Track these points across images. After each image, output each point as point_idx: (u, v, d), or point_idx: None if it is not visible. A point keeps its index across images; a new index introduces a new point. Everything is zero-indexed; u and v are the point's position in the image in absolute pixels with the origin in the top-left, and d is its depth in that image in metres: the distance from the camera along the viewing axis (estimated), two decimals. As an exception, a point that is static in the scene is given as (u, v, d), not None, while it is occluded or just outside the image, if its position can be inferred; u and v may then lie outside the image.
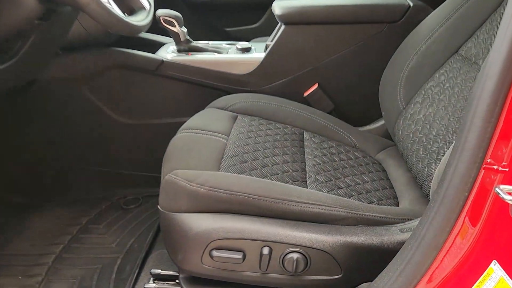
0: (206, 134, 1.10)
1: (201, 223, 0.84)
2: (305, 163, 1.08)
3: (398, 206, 1.00)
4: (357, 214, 0.88)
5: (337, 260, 0.83)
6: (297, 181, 0.98)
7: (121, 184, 1.49)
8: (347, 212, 0.87)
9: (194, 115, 1.23)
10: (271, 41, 1.40)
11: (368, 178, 1.07)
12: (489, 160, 0.59)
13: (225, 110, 1.27)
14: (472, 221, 0.62)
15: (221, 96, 1.32)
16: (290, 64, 1.37)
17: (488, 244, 0.61)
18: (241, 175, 0.93)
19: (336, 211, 0.87)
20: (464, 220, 0.63)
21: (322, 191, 0.96)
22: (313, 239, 0.83)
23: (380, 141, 1.29)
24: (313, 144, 1.19)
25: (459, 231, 0.64)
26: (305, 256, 0.83)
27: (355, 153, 1.20)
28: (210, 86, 1.39)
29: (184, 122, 1.19)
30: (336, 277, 0.85)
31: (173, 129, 1.15)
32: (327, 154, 1.14)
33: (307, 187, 0.97)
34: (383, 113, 1.29)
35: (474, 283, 0.64)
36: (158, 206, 0.92)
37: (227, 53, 1.44)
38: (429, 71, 1.15)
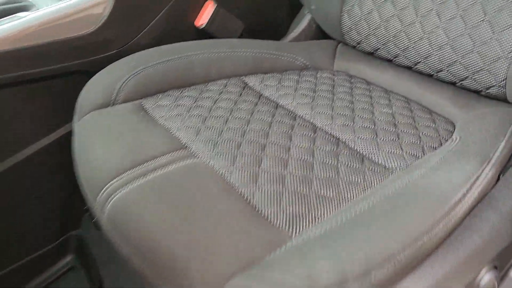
0: (165, 168, 0.56)
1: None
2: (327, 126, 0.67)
3: (454, 127, 0.71)
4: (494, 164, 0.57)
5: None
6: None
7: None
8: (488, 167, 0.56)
9: (78, 146, 0.64)
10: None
11: (383, 107, 0.75)
12: None
13: (114, 105, 0.70)
14: None
15: (80, 86, 0.73)
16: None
17: None
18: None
19: (484, 174, 0.54)
20: None
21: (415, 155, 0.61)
22: (499, 236, 0.51)
23: (321, 45, 0.94)
24: (277, 91, 0.77)
25: None
26: (495, 266, 0.51)
27: (325, 75, 0.84)
28: (48, 76, 0.75)
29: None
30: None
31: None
32: (312, 96, 0.76)
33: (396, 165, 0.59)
34: (312, 7, 0.92)
35: None
36: None
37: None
38: None
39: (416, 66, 0.80)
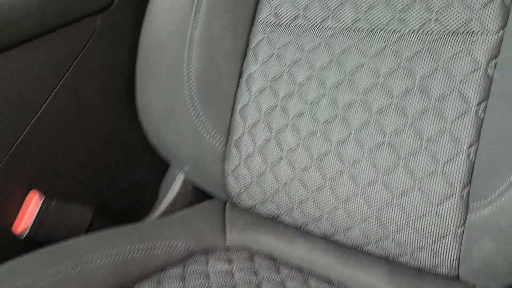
0: None
1: None
2: None
3: None
4: None
5: None
6: None
7: None
8: None
9: None
10: None
11: None
12: None
13: None
14: None
15: None
16: None
17: None
18: None
19: None
20: None
21: None
22: None
23: (204, 212, 0.71)
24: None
25: None
26: None
27: (219, 266, 0.61)
28: None
29: None
30: None
31: None
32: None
33: None
34: (185, 169, 0.70)
35: None
36: None
37: None
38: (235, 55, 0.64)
39: (332, 238, 0.62)
